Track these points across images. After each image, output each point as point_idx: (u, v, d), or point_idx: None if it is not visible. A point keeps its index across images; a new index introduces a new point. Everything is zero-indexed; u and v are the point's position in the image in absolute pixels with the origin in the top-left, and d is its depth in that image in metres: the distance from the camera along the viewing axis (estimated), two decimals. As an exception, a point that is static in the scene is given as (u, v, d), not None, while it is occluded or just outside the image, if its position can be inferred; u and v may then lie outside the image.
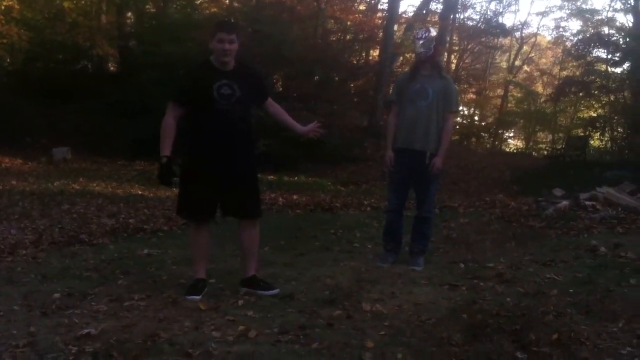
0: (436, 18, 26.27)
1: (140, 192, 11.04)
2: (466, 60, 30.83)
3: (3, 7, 16.33)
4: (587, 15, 27.54)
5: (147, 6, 22.41)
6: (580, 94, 22.68)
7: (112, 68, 22.52)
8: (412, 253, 5.52)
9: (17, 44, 17.04)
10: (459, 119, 24.32)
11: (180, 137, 4.40)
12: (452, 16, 26.54)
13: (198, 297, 4.28)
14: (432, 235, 5.93)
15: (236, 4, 23.27)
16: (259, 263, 4.93)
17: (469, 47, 30.20)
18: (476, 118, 31.92)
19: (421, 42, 5.42)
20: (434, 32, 5.47)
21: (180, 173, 4.44)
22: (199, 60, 4.65)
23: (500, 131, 30.58)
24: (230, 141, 4.34)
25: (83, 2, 20.96)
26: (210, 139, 4.33)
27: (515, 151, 29.51)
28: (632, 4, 22.89)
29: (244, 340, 3.41)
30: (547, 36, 33.33)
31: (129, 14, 22.04)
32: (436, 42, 5.42)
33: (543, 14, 31.70)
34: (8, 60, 19.82)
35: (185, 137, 4.41)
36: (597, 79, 21.35)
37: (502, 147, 30.22)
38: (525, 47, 31.68)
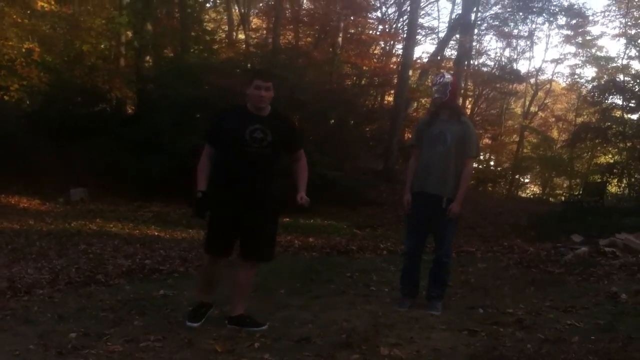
0: (451, 64, 26.50)
1: (156, 233, 11.05)
2: (481, 106, 30.94)
3: (24, 50, 16.63)
4: (602, 63, 27.64)
5: (166, 50, 22.75)
6: (597, 140, 22.62)
7: (129, 110, 22.77)
8: (429, 298, 5.46)
9: (37, 86, 17.29)
10: (475, 164, 24.35)
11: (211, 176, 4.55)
12: (466, 62, 26.74)
13: (196, 325, 4.52)
14: (450, 280, 5.87)
15: (252, 49, 23.59)
16: (275, 305, 4.90)
17: (484, 92, 30.34)
18: (492, 163, 31.89)
19: (436, 87, 5.45)
20: (449, 78, 5.45)
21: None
22: (234, 105, 4.86)
23: (516, 177, 30.49)
24: (257, 183, 4.49)
25: (102, 46, 21.31)
26: (238, 179, 4.47)
27: (531, 197, 29.35)
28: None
29: (261, 384, 3.37)
30: (561, 82, 33.41)
31: (148, 57, 22.36)
32: (452, 87, 5.42)
33: (558, 61, 31.58)
34: (27, 102, 20.10)
35: (215, 175, 4.54)
36: (614, 126, 21.31)
37: (519, 192, 30.08)
38: (540, 93, 31.75)
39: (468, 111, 28.45)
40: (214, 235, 4.59)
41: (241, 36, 25.93)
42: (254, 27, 27.56)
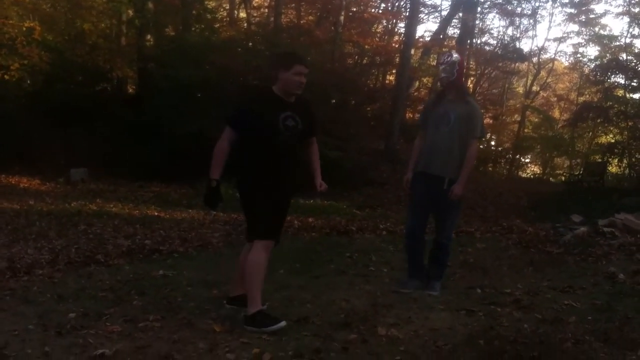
0: (453, 43, 26.34)
1: (156, 214, 11.05)
2: (483, 85, 30.78)
3: (25, 29, 16.52)
4: (605, 41, 27.45)
5: (167, 29, 22.62)
6: (599, 120, 22.57)
7: (130, 90, 22.68)
8: (428, 278, 5.47)
9: (38, 66, 17.21)
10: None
11: (236, 165, 4.40)
12: (469, 41, 26.57)
13: (284, 323, 4.11)
14: (449, 261, 5.87)
15: (254, 28, 23.45)
16: (274, 285, 4.92)
17: (486, 72, 30.17)
18: (493, 143, 31.82)
19: (443, 66, 5.40)
20: (456, 57, 5.38)
21: (250, 199, 4.40)
22: (260, 89, 4.67)
23: (517, 156, 30.43)
24: (290, 171, 4.40)
25: (103, 24, 21.18)
26: (276, 168, 4.33)
27: (532, 177, 29.30)
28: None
29: (258, 363, 3.39)
30: (564, 62, 33.19)
31: (149, 36, 22.23)
32: (459, 67, 5.37)
33: (560, 39, 31.31)
34: (28, 81, 20.02)
35: (245, 165, 4.40)
36: (615, 105, 21.26)
37: (519, 172, 30.02)
38: (542, 73, 31.58)
39: (470, 90, 28.28)
40: (278, 222, 4.39)
41: (243, 15, 25.76)
42: (255, 5, 27.36)
